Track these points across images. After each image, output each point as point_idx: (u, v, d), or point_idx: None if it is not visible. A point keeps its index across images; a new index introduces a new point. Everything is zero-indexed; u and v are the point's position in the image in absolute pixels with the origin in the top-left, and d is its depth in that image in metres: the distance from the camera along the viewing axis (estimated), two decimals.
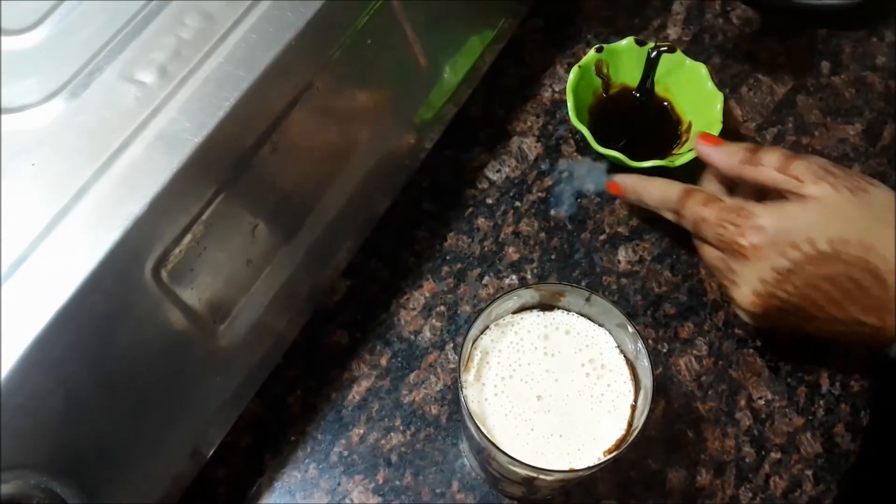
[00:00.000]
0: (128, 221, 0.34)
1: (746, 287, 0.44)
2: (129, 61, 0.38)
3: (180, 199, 0.36)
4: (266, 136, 0.39)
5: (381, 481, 0.47)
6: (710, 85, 0.55)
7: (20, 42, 0.38)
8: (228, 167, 0.37)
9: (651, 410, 0.38)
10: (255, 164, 0.39)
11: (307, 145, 0.42)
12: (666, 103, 0.58)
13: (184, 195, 0.36)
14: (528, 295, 0.41)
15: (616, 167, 0.56)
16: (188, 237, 0.37)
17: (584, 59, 0.56)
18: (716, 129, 0.53)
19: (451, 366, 0.50)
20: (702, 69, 0.55)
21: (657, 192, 0.49)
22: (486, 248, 0.54)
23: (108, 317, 0.34)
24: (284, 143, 0.40)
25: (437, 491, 0.47)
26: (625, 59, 0.57)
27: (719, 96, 0.54)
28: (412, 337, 0.51)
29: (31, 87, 0.37)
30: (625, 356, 0.41)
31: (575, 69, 0.55)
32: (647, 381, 0.39)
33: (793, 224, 0.43)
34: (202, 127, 0.36)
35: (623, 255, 0.54)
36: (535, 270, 0.54)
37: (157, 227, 0.35)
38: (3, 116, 0.36)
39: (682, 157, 0.53)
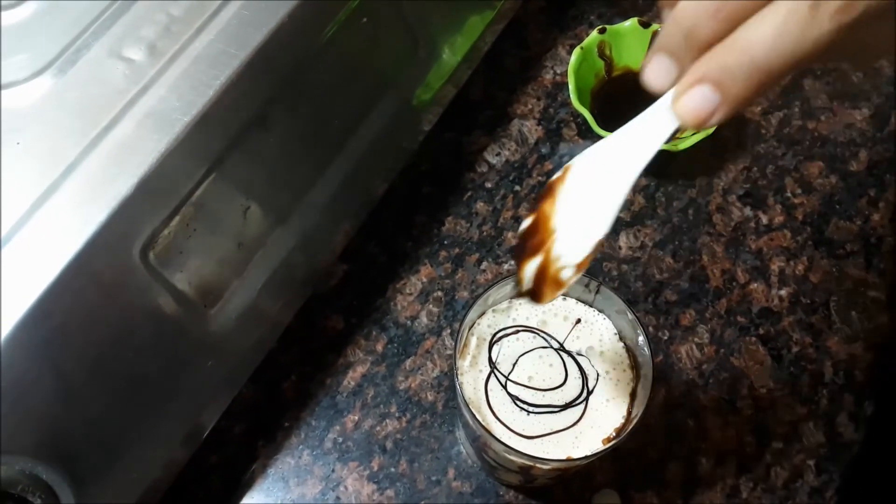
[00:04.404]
0: (115, 202, 0.33)
1: None
2: (118, 38, 0.37)
3: (169, 180, 0.35)
4: (258, 116, 0.38)
5: (375, 468, 0.47)
6: None
7: (6, 17, 0.37)
8: (219, 147, 0.36)
9: (651, 399, 0.37)
10: (246, 145, 0.38)
11: (301, 126, 0.41)
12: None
13: (173, 175, 0.35)
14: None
15: None
16: (177, 218, 0.36)
17: (587, 41, 0.55)
18: None
19: (448, 352, 0.50)
20: None
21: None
22: (484, 233, 0.53)
23: (95, 299, 0.33)
24: (277, 123, 0.39)
25: (433, 478, 0.47)
26: (628, 40, 0.56)
27: None
28: (409, 322, 0.51)
29: (17, 63, 0.36)
30: (625, 343, 0.40)
31: (577, 51, 0.54)
32: (647, 368, 0.38)
33: None
34: (192, 105, 0.35)
35: (624, 240, 0.53)
36: None
37: (146, 207, 0.34)
38: None
39: (685, 142, 0.52)
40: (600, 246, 0.29)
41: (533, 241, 0.31)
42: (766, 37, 0.23)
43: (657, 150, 0.27)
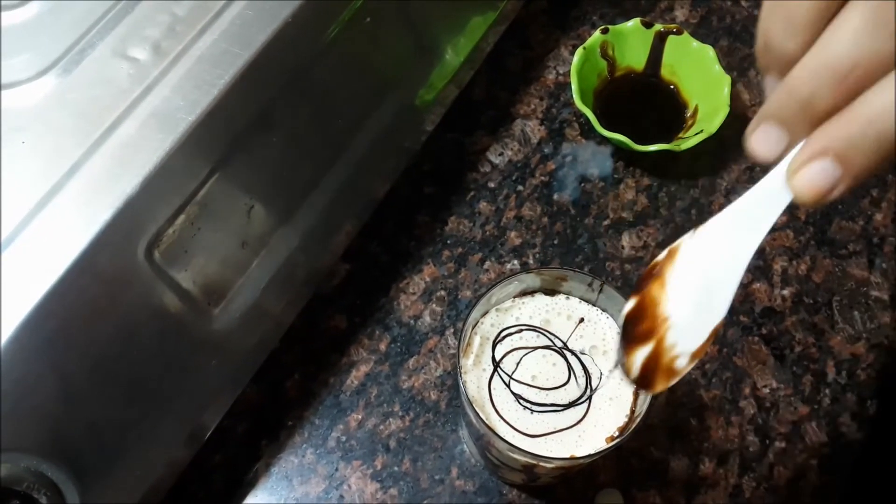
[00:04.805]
0: (120, 201, 0.33)
1: None
2: (123, 37, 0.37)
3: (174, 179, 0.35)
4: (262, 116, 0.38)
5: (379, 467, 0.47)
6: (718, 68, 0.54)
7: (11, 17, 0.37)
8: (223, 146, 0.37)
9: (654, 398, 0.37)
10: (250, 144, 0.38)
11: (304, 125, 0.41)
12: (672, 86, 0.57)
13: (177, 174, 0.35)
14: (530, 279, 0.41)
15: (621, 151, 0.55)
16: (182, 217, 0.36)
17: (589, 41, 0.55)
18: (723, 112, 0.52)
19: (451, 351, 0.50)
20: (709, 52, 0.54)
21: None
22: (487, 233, 0.53)
23: (99, 298, 0.34)
24: (280, 123, 0.39)
25: (436, 477, 0.47)
26: (631, 41, 0.56)
27: (727, 79, 0.53)
28: (412, 322, 0.51)
29: (21, 63, 0.36)
30: None
31: (580, 51, 0.54)
32: None
33: None
34: (196, 105, 0.35)
35: (627, 240, 0.53)
36: (538, 255, 0.53)
37: (150, 206, 0.34)
38: None
39: (688, 141, 0.52)
40: (716, 332, 0.28)
41: (641, 328, 0.30)
42: (893, 105, 0.21)
43: (770, 229, 0.26)
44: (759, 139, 0.24)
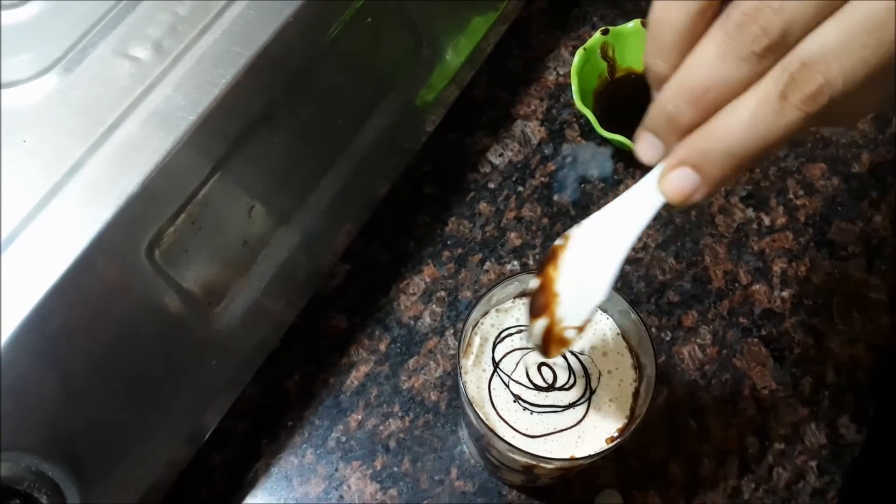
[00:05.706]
0: (121, 200, 0.33)
1: None
2: (124, 37, 0.37)
3: (175, 178, 0.35)
4: (263, 115, 0.38)
5: (378, 467, 0.47)
6: None
7: (12, 16, 0.37)
8: (224, 146, 0.37)
9: (653, 399, 0.37)
10: (251, 144, 0.38)
11: (305, 125, 0.41)
12: None
13: (179, 174, 0.35)
14: (530, 280, 0.41)
15: (621, 152, 0.55)
16: (183, 217, 0.36)
17: (590, 42, 0.55)
18: None
19: (451, 352, 0.50)
20: None
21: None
22: (487, 234, 0.53)
23: (100, 297, 0.34)
24: (281, 123, 0.39)
25: (436, 478, 0.47)
26: (631, 42, 0.56)
27: None
28: (412, 322, 0.51)
29: (23, 62, 0.36)
30: (628, 344, 0.40)
31: (580, 52, 0.54)
32: (649, 369, 0.38)
33: None
34: (197, 104, 0.35)
35: None
36: (538, 256, 0.53)
37: (151, 205, 0.34)
38: None
39: None
40: (594, 311, 0.32)
41: (540, 302, 0.33)
42: (739, 126, 0.25)
43: (647, 224, 0.29)
44: (641, 145, 0.28)
